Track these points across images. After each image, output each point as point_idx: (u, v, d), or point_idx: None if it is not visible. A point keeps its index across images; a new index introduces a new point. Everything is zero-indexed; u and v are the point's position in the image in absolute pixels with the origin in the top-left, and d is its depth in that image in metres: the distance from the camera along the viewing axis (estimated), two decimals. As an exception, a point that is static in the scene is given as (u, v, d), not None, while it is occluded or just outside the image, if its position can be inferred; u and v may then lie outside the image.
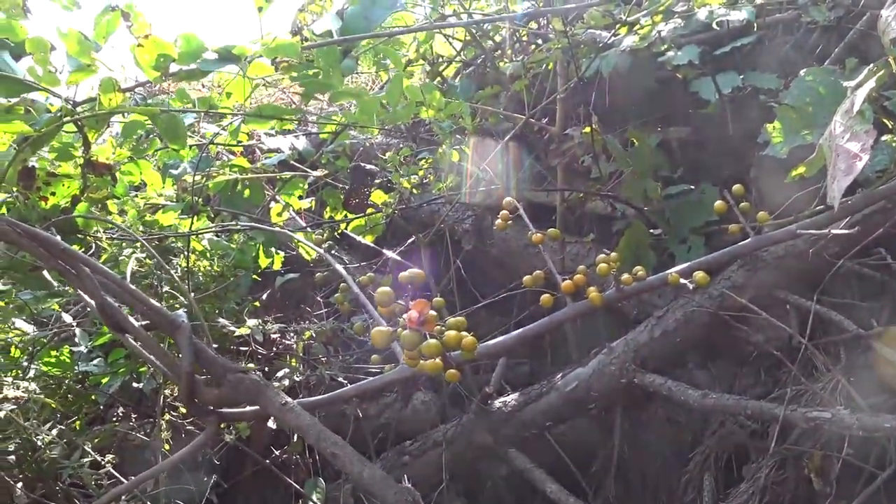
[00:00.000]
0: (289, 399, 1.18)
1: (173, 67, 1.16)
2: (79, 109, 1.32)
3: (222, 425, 2.06)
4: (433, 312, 1.00)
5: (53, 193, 1.56)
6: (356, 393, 1.21)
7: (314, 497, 2.21)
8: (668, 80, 2.47)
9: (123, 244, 2.15)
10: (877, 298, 2.00)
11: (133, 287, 1.18)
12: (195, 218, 2.12)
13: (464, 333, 1.06)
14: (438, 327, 1.00)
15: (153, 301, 1.20)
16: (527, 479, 2.19)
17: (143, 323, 1.24)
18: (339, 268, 1.34)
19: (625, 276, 1.19)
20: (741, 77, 2.26)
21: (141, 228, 2.17)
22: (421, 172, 2.88)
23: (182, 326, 1.18)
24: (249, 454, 2.23)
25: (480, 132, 2.73)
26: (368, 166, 2.15)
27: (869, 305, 1.98)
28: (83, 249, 1.71)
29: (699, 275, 1.17)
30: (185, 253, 2.17)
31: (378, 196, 2.66)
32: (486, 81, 2.93)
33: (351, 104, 2.98)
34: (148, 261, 1.99)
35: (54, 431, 1.51)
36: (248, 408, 1.23)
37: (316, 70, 1.25)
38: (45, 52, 1.15)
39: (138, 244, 2.16)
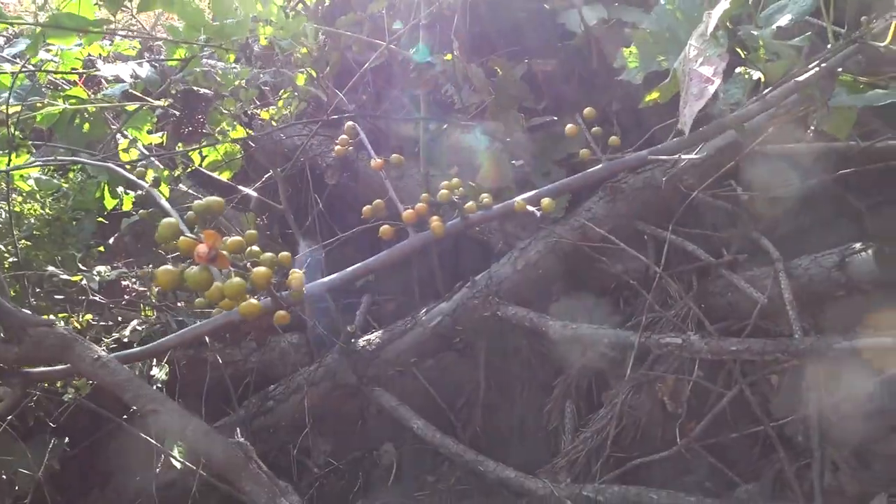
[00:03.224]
0: (102, 353, 1.05)
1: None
2: None
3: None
4: (256, 248, 0.90)
5: None
6: (179, 342, 1.10)
7: (175, 452, 2.09)
8: (535, 11, 2.40)
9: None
10: (727, 228, 2.06)
11: None
12: (14, 154, 1.88)
13: (295, 271, 0.97)
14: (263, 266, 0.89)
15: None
16: (395, 418, 2.16)
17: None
18: (164, 202, 1.21)
19: (469, 204, 1.13)
20: (607, 10, 2.22)
21: (-48, 168, 1.91)
22: (280, 103, 2.70)
23: (-33, 276, 1.02)
24: (97, 411, 2.06)
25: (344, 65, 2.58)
26: (202, 91, 1.96)
27: (720, 235, 2.04)
28: None
29: (545, 201, 1.13)
30: (7, 193, 1.93)
31: (239, 132, 2.48)
32: (350, 8, 2.76)
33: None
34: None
35: None
36: (58, 366, 1.10)
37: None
38: None
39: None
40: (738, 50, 1.74)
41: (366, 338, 2.19)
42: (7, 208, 1.99)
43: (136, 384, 1.02)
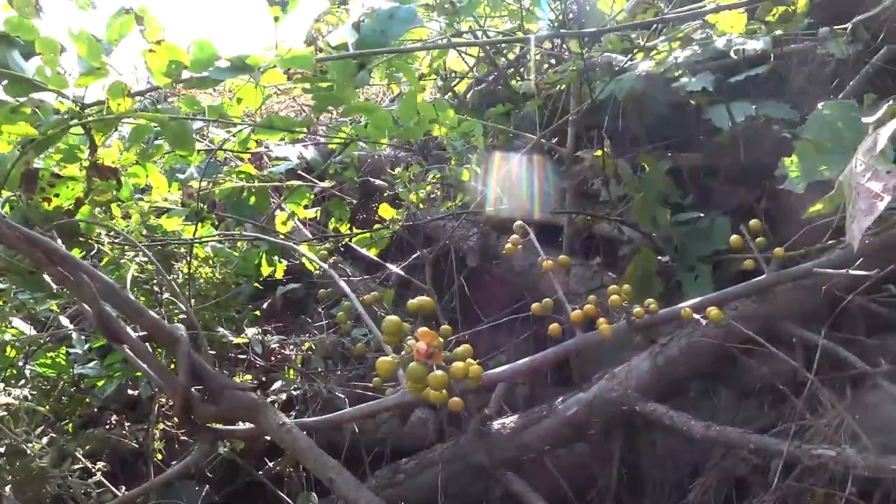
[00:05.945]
0: (287, 419, 1.15)
1: (185, 74, 1.14)
2: (87, 112, 1.30)
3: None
4: (440, 339, 0.98)
5: (57, 195, 1.54)
6: (356, 416, 1.18)
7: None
8: (681, 106, 2.45)
9: (125, 248, 2.13)
10: (885, 335, 1.97)
11: (131, 297, 1.15)
12: (199, 224, 2.10)
13: (470, 361, 1.03)
14: (446, 353, 0.97)
15: (151, 313, 1.17)
16: (522, 503, 2.15)
17: (141, 334, 1.22)
18: (343, 284, 1.32)
19: (637, 310, 1.17)
20: (754, 107, 2.24)
21: (144, 233, 2.15)
22: (428, 188, 2.86)
23: (180, 340, 1.16)
24: (242, 466, 2.20)
25: (498, 150, 2.71)
26: (377, 182, 2.12)
27: (877, 342, 1.95)
28: (85, 252, 1.68)
29: (713, 311, 1.14)
30: (188, 259, 2.15)
31: (386, 210, 2.64)
32: (497, 99, 2.91)
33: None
34: (149, 266, 1.96)
35: (45, 440, 1.48)
36: (245, 425, 1.21)
37: (329, 83, 1.23)
38: (55, 52, 1.13)
39: (140, 248, 2.14)
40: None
41: (500, 421, 2.22)
42: (185, 271, 2.20)
43: (317, 452, 1.10)
